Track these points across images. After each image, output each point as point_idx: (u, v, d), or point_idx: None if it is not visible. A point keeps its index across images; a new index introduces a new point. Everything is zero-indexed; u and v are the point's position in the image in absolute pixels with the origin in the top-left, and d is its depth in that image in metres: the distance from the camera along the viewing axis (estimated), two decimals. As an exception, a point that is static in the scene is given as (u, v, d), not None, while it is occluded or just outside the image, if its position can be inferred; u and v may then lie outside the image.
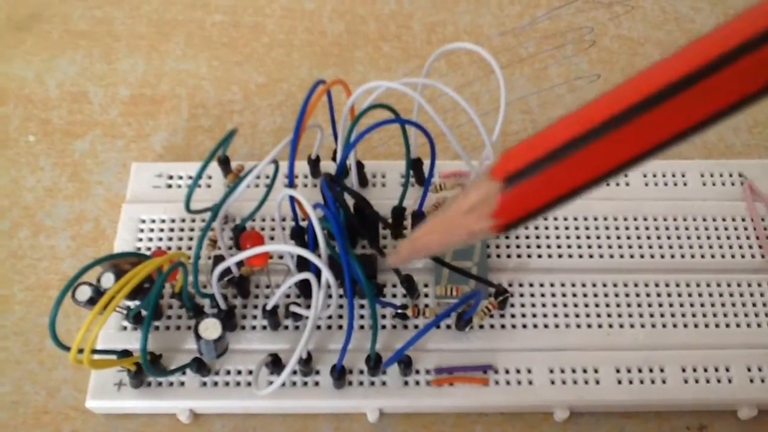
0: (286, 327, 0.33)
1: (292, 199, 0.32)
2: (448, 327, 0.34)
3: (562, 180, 0.16)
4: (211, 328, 0.29)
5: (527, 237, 0.36)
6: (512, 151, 0.17)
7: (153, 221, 0.36)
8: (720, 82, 0.14)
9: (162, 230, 0.36)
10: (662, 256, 0.36)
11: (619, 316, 0.34)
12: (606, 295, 0.35)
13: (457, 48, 0.32)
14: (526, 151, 0.17)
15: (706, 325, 0.34)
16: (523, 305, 0.34)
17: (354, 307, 0.29)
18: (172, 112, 0.42)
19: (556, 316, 0.34)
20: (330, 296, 0.29)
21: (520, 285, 0.35)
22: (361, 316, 0.34)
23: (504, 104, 0.32)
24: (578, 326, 0.34)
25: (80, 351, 0.27)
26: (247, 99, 0.43)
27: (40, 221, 0.38)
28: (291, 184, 0.31)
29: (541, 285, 0.35)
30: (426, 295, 0.34)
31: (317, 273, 0.29)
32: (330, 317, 0.34)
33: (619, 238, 0.36)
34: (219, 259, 0.33)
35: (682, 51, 0.15)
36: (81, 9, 0.46)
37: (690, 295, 0.35)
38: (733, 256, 0.36)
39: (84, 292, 0.30)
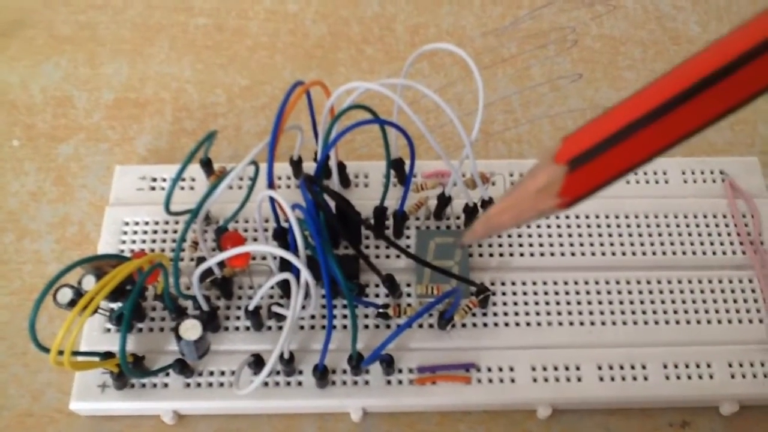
0: (269, 327, 0.34)
1: (273, 200, 0.32)
2: (431, 326, 0.34)
3: (617, 161, 0.19)
4: (191, 329, 0.29)
5: (509, 236, 0.36)
6: (573, 137, 0.20)
7: (136, 223, 0.36)
8: (742, 77, 0.17)
9: (145, 232, 0.36)
10: (644, 254, 0.36)
11: (601, 313, 0.34)
12: (588, 293, 0.35)
13: (434, 49, 0.33)
14: (585, 137, 0.19)
15: (688, 322, 0.34)
16: (505, 303, 0.34)
17: (333, 306, 0.29)
18: (156, 116, 0.42)
19: (538, 314, 0.34)
20: (308, 296, 0.30)
21: (503, 283, 0.35)
22: (345, 316, 0.34)
23: (482, 104, 0.32)
24: (560, 324, 0.34)
25: (61, 353, 0.27)
26: (230, 101, 0.43)
27: (25, 225, 0.38)
28: (270, 185, 0.31)
29: (523, 283, 0.35)
30: (408, 295, 0.34)
31: (298, 273, 0.29)
32: (313, 317, 0.34)
33: (601, 235, 0.36)
34: (202, 260, 0.33)
35: (712, 47, 0.18)
36: (65, 14, 0.46)
37: (671, 291, 0.35)
38: (714, 253, 0.36)
39: (65, 295, 0.30)
